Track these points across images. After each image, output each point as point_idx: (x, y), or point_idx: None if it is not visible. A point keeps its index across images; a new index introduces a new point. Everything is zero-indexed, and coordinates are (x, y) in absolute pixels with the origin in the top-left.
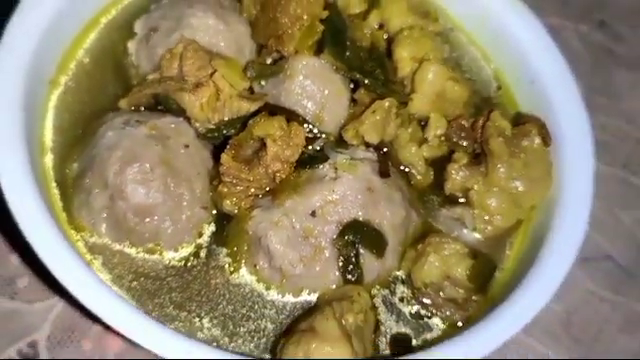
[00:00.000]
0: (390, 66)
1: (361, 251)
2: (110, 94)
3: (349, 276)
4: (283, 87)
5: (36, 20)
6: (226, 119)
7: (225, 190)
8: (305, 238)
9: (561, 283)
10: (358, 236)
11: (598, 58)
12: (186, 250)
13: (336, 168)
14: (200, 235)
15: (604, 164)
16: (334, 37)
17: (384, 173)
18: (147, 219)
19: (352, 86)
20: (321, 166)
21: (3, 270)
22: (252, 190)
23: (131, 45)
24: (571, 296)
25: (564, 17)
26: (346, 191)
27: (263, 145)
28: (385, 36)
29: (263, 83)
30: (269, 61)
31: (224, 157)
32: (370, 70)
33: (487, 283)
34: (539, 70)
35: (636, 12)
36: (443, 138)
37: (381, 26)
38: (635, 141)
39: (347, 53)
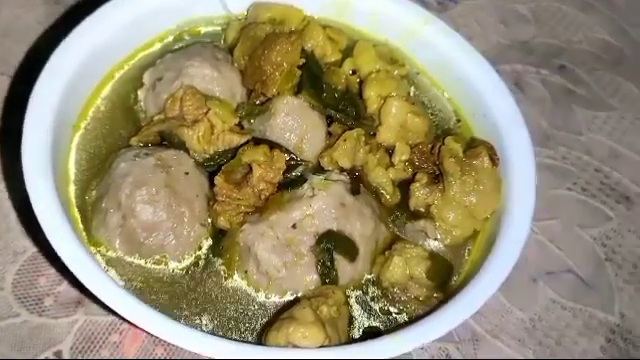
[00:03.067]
0: (362, 104)
1: (335, 257)
2: (123, 135)
3: (326, 278)
4: (268, 123)
5: (61, 76)
6: (220, 150)
7: (219, 208)
8: (287, 246)
9: (524, 293)
10: (333, 243)
11: (559, 98)
12: (187, 260)
13: (313, 187)
14: (199, 248)
15: (565, 189)
16: (311, 80)
17: (355, 191)
18: (154, 234)
19: (328, 121)
20: (301, 187)
21: (33, 291)
22: (242, 208)
23: (140, 93)
24: (536, 305)
25: (527, 63)
26: (322, 206)
27: (250, 169)
28: (357, 80)
29: (252, 121)
30: (257, 102)
31: (218, 180)
32: (343, 108)
33: (446, 282)
34: (490, 105)
35: (593, 56)
36: (407, 162)
37: (354, 72)
38: (593, 169)
39: (324, 94)
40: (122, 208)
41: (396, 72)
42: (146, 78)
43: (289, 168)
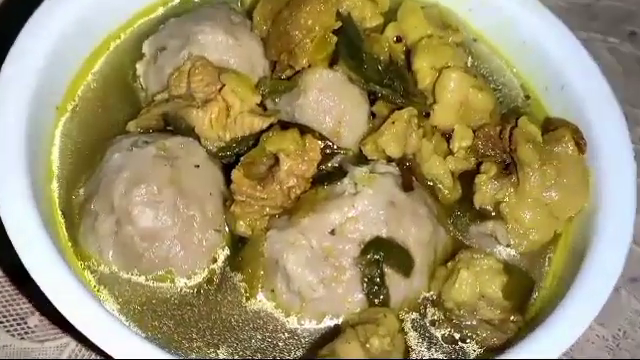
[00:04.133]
0: (410, 78)
1: (386, 270)
2: (119, 119)
3: (374, 298)
4: (297, 103)
5: (42, 43)
6: (238, 137)
7: (238, 210)
8: (325, 258)
9: (605, 304)
10: (382, 254)
11: (631, 70)
12: (199, 276)
13: (355, 183)
14: (214, 260)
15: None
16: (349, 48)
17: (407, 186)
18: (156, 244)
19: (371, 99)
20: (339, 182)
21: (14, 309)
22: (267, 210)
23: (139, 66)
24: (620, 319)
25: (592, 30)
26: (367, 206)
27: (277, 161)
28: (403, 48)
29: (277, 100)
30: (283, 77)
31: (235, 174)
32: (389, 82)
33: (525, 302)
34: (569, 76)
35: None
36: (470, 150)
37: (399, 39)
38: None
39: (364, 66)
40: (116, 211)
41: (450, 39)
42: (146, 48)
43: (324, 158)
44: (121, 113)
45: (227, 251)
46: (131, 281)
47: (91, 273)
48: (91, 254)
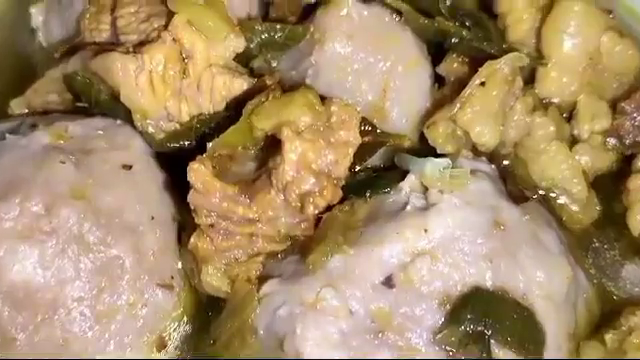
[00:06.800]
0: (492, 25)
1: (496, 351)
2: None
3: None
4: (310, 61)
5: None
6: (203, 111)
7: (204, 246)
8: (377, 334)
9: None
10: (488, 321)
11: None
12: None
13: (425, 189)
14: (161, 345)
15: None
16: None
17: (519, 195)
18: (41, 317)
19: (432, 53)
20: (393, 189)
21: None
22: (258, 244)
23: (35, 13)
24: None
25: None
26: (452, 230)
27: (274, 149)
28: None
29: (273, 60)
30: (287, 18)
31: (195, 170)
32: (461, 24)
33: None
34: None
35: None
36: (609, 135)
37: None
38: None
39: None
40: None
41: None
42: None
43: (362, 150)
44: (7, 86)
45: (185, 327)
46: None
47: None
48: None
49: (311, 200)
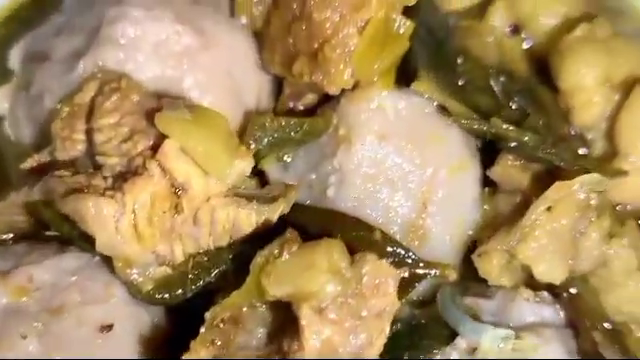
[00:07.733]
0: (551, 103)
1: None
2: None
3: None
4: (333, 164)
5: None
6: (201, 256)
7: None
8: None
9: None
10: None
11: None
12: None
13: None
14: None
15: None
16: (431, 50)
17: (593, 351)
18: None
19: (481, 145)
20: (440, 352)
21: None
22: None
23: (2, 96)
24: None
25: None
26: None
27: (286, 313)
28: (526, 44)
29: (288, 159)
30: (300, 108)
31: (196, 348)
32: (512, 115)
33: None
34: None
35: None
36: None
37: (515, 29)
38: None
39: (459, 80)
40: None
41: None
42: (15, 57)
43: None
44: None
45: None
46: None
47: None
48: None
49: None
